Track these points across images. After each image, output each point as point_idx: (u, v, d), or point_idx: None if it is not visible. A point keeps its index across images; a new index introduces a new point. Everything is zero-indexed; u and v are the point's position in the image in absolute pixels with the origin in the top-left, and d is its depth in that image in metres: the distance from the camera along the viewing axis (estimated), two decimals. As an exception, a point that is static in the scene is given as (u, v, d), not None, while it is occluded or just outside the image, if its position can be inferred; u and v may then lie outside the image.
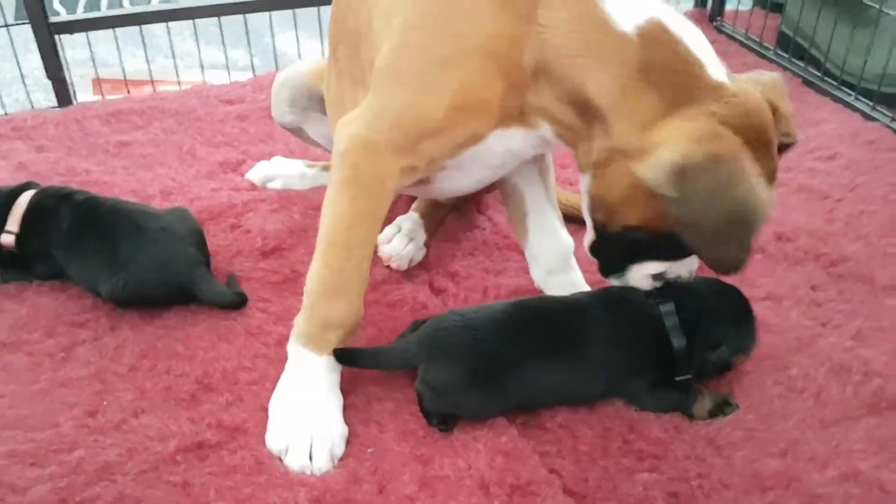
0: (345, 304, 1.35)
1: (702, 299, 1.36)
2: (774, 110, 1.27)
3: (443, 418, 1.33)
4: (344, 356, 1.37)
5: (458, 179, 1.44)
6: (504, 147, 1.33)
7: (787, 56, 2.54)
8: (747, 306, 1.40)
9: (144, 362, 1.45)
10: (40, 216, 1.62)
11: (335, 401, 1.36)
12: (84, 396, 1.38)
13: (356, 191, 1.32)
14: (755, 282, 1.65)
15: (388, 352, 1.41)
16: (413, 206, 1.80)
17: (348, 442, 1.32)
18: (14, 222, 1.61)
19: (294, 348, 1.38)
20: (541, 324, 1.35)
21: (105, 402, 1.37)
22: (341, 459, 1.29)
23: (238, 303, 1.57)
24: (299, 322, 1.38)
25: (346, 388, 1.40)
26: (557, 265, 1.58)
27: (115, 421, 1.33)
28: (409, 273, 1.69)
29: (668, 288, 1.37)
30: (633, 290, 1.38)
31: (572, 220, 1.81)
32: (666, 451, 1.28)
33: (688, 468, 1.26)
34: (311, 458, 1.27)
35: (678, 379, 1.35)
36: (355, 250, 1.34)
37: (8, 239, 1.61)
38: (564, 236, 1.58)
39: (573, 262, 1.61)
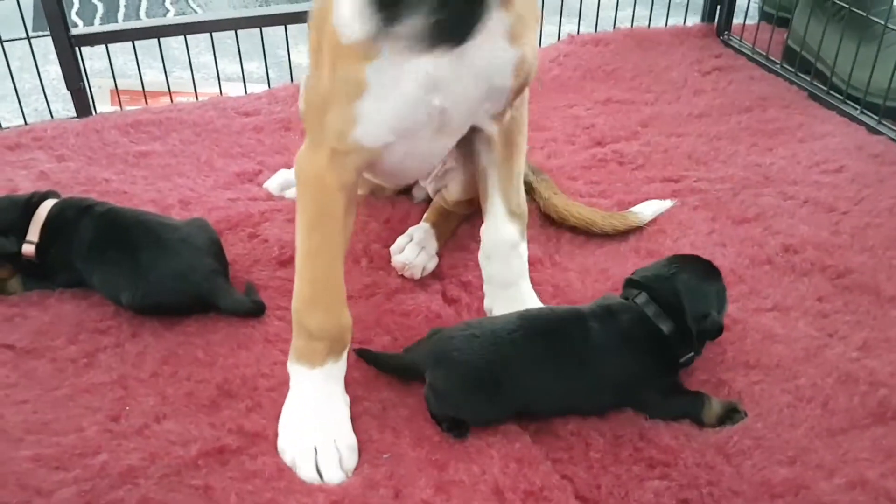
0: (322, 314, 1.38)
1: (673, 278, 1.42)
2: None
3: (454, 424, 1.36)
4: (366, 355, 1.47)
5: (401, 154, 1.41)
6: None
7: (793, 70, 2.57)
8: (710, 266, 1.48)
9: (166, 368, 1.48)
10: (61, 227, 1.65)
11: (338, 410, 1.38)
12: (107, 402, 1.41)
13: (305, 197, 1.36)
14: (762, 293, 1.68)
15: (401, 357, 1.47)
16: (424, 216, 1.84)
17: (364, 448, 1.35)
18: (35, 232, 1.64)
19: (290, 366, 1.42)
20: (544, 334, 1.39)
21: (127, 408, 1.40)
22: (361, 463, 1.32)
23: (257, 311, 1.61)
24: (293, 339, 1.42)
25: (362, 394, 1.44)
26: (495, 252, 1.56)
27: (138, 426, 1.37)
28: (423, 283, 1.72)
29: (636, 281, 1.45)
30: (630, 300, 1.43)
31: (583, 232, 1.85)
32: (676, 459, 1.31)
33: (698, 475, 1.29)
34: (319, 471, 1.30)
35: (682, 360, 1.40)
36: (318, 257, 1.38)
37: (29, 249, 1.64)
38: (505, 227, 1.54)
39: (524, 278, 1.60)
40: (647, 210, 1.89)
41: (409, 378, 1.45)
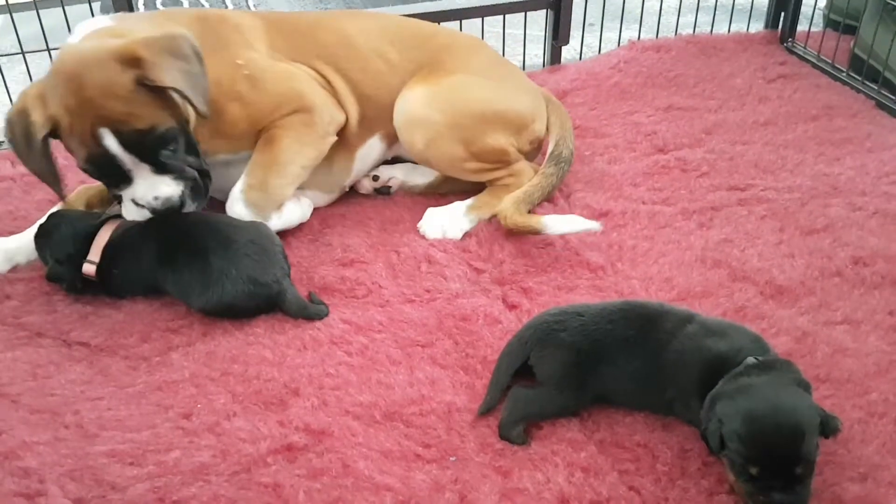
0: None
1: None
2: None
3: (519, 429, 1.38)
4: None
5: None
6: None
7: (860, 78, 2.52)
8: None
9: (235, 367, 1.51)
10: (124, 252, 1.66)
11: None
12: (179, 399, 1.45)
13: None
14: (832, 305, 1.65)
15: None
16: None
17: (431, 447, 1.36)
18: (96, 253, 1.67)
19: None
20: (639, 322, 1.41)
21: (199, 405, 1.43)
22: (427, 463, 1.33)
23: (321, 314, 1.63)
24: None
25: (427, 394, 1.46)
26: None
27: (209, 423, 1.40)
28: (483, 288, 1.73)
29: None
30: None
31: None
32: (746, 474, 1.29)
33: (767, 491, 1.27)
34: None
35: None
36: None
37: (89, 269, 1.66)
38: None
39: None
40: (560, 223, 1.82)
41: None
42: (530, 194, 1.91)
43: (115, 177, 1.62)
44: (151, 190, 1.62)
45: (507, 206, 1.86)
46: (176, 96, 1.61)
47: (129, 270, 1.66)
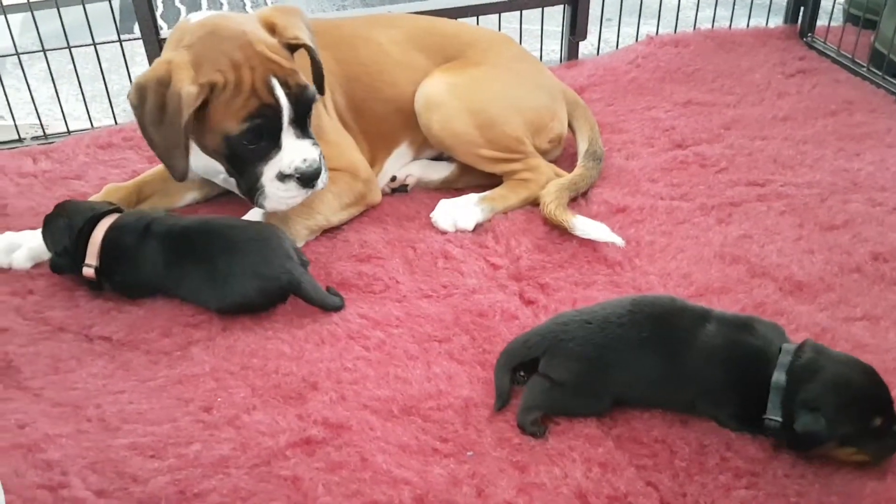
0: None
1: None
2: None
3: (535, 423, 1.38)
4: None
5: None
6: None
7: (880, 73, 2.50)
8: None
9: (254, 361, 1.52)
10: (122, 252, 1.66)
11: None
12: (199, 393, 1.46)
13: None
14: (852, 301, 1.64)
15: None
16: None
17: (448, 442, 1.36)
18: (92, 255, 1.66)
19: None
20: (652, 321, 1.40)
21: (219, 399, 1.45)
22: (444, 457, 1.34)
23: (337, 305, 1.64)
24: None
25: (445, 389, 1.46)
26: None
27: (229, 416, 1.41)
28: (501, 283, 1.73)
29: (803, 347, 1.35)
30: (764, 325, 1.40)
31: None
32: (764, 469, 1.29)
33: (786, 486, 1.27)
34: None
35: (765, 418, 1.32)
36: None
37: (88, 272, 1.67)
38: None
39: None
40: (590, 228, 1.82)
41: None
42: (575, 183, 1.95)
43: (269, 139, 1.67)
44: (300, 153, 1.68)
45: (551, 191, 1.89)
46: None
47: (133, 274, 1.66)
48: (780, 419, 1.30)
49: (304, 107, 1.68)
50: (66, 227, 1.69)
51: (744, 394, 1.34)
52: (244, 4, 3.53)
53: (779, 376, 1.31)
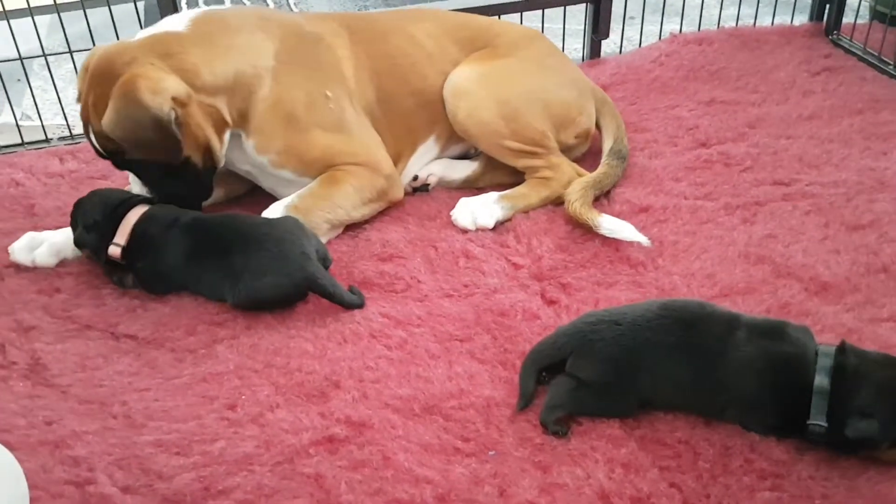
0: None
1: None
2: None
3: (558, 422, 1.38)
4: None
5: None
6: None
7: (908, 71, 2.47)
8: None
9: (278, 359, 1.53)
10: (148, 242, 1.69)
11: None
12: (224, 390, 1.47)
13: None
14: (878, 302, 1.62)
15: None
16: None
17: (470, 442, 1.36)
18: (122, 235, 1.69)
19: None
20: (686, 326, 1.39)
21: (243, 396, 1.46)
22: (466, 457, 1.34)
23: (355, 303, 1.64)
24: None
25: (466, 388, 1.46)
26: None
27: (253, 414, 1.42)
28: (522, 283, 1.73)
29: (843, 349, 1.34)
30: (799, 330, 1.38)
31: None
32: (789, 472, 1.28)
33: (811, 488, 1.26)
34: None
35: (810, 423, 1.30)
36: None
37: (115, 251, 1.69)
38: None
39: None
40: (616, 226, 1.81)
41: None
42: (600, 181, 1.95)
43: None
44: None
45: (576, 189, 1.89)
46: None
47: (155, 262, 1.69)
48: (825, 424, 1.28)
49: None
50: (101, 203, 1.74)
51: (781, 400, 1.32)
52: (267, 4, 3.55)
53: (821, 380, 1.29)
